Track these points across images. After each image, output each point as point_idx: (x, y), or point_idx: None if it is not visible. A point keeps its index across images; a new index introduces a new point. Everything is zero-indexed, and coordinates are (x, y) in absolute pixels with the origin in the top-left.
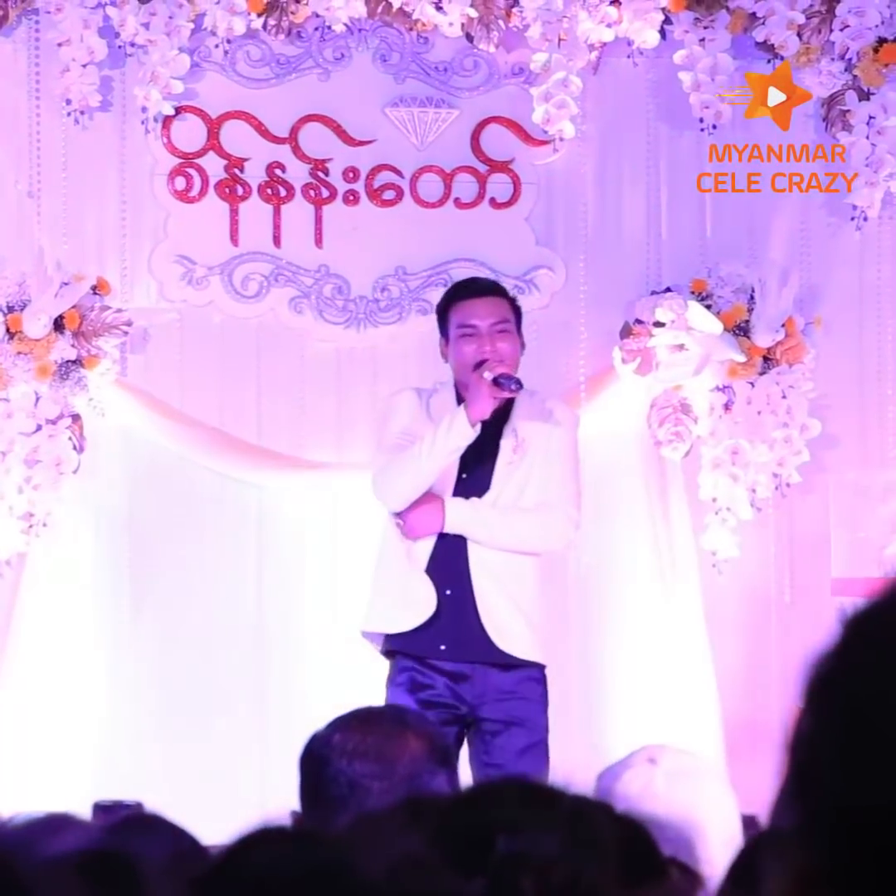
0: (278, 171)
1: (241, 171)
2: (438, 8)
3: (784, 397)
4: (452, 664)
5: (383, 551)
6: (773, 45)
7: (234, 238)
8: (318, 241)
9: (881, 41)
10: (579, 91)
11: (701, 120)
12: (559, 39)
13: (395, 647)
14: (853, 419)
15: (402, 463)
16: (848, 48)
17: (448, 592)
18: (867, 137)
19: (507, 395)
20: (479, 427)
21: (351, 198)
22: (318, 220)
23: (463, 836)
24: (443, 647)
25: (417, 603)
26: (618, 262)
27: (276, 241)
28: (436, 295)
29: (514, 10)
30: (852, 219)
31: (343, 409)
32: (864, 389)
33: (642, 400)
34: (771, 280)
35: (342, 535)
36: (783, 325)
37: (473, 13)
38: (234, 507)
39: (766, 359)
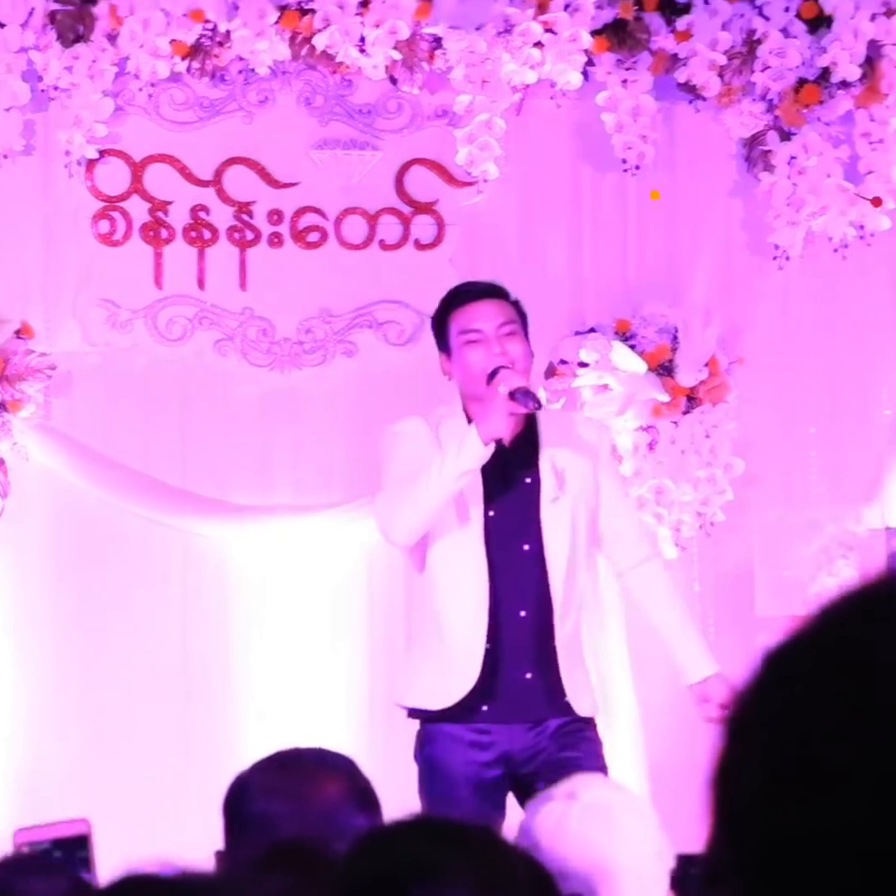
0: (202, 214)
1: (165, 214)
2: (362, 51)
3: (708, 436)
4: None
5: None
6: (695, 86)
7: (158, 281)
8: (243, 283)
9: (802, 82)
10: (502, 132)
11: (624, 161)
12: (482, 81)
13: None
14: (776, 458)
15: (407, 491)
16: (769, 89)
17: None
18: (788, 177)
19: (523, 411)
20: (492, 447)
21: (275, 240)
22: (243, 263)
23: (372, 881)
24: (485, 708)
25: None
26: (541, 302)
27: (201, 283)
28: (360, 337)
29: (438, 52)
30: (774, 258)
31: (267, 452)
32: (786, 428)
33: None
34: (694, 320)
35: (268, 577)
36: (706, 365)
37: (397, 55)
38: (160, 550)
39: (689, 398)
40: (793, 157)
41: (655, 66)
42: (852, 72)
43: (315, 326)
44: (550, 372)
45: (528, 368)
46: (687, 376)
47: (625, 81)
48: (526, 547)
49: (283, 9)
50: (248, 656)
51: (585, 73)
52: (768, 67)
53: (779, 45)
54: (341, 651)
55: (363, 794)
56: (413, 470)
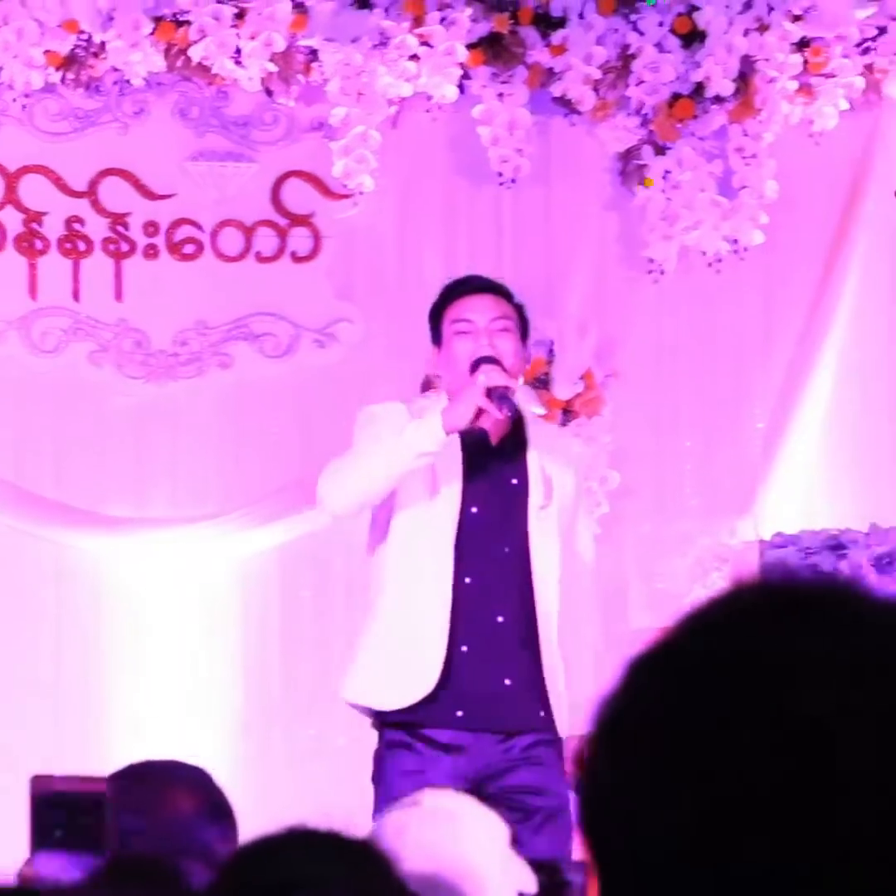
0: (77, 226)
1: (40, 225)
2: (237, 62)
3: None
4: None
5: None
6: (570, 100)
7: (32, 292)
8: (118, 295)
9: (676, 96)
10: (378, 145)
11: (499, 174)
12: (358, 94)
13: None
14: (651, 471)
15: (355, 458)
16: (643, 103)
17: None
18: (663, 192)
19: (495, 413)
20: (451, 439)
21: (151, 252)
22: (118, 274)
23: (253, 892)
24: (459, 714)
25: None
26: (418, 314)
27: (75, 295)
28: (236, 349)
29: (314, 64)
30: (649, 272)
31: (142, 464)
32: (661, 441)
33: None
34: (569, 333)
35: (143, 590)
36: (582, 378)
37: (273, 67)
38: (32, 562)
39: (565, 411)
40: (667, 172)
41: (531, 79)
42: (726, 87)
43: (191, 338)
44: (426, 384)
45: (516, 370)
46: (563, 389)
47: (500, 95)
48: (506, 549)
49: (158, 20)
50: (123, 669)
51: (461, 87)
52: (643, 82)
53: (653, 59)
54: (216, 663)
55: (216, 806)
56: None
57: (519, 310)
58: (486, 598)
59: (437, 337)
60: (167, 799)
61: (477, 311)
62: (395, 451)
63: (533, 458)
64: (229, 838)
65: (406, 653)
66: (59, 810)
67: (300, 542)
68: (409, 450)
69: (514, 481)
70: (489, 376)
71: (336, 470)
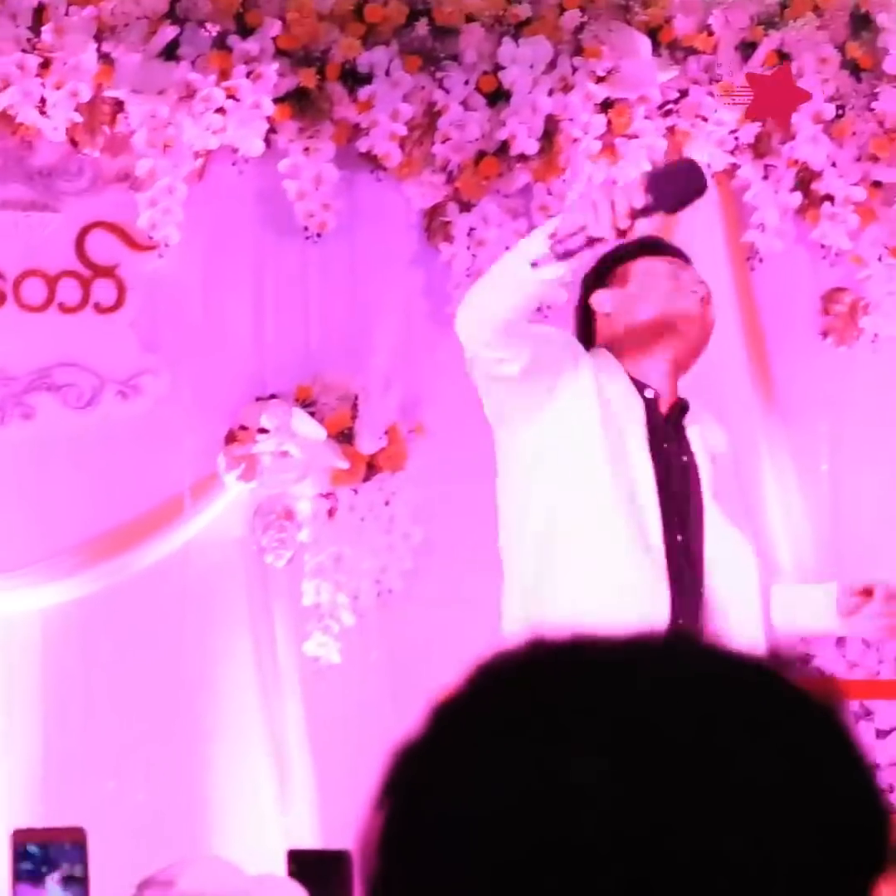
0: None
1: None
2: (42, 112)
3: (387, 504)
4: None
5: None
6: (376, 155)
7: None
8: None
9: (481, 154)
10: (184, 197)
11: (306, 228)
12: (164, 146)
13: None
14: (454, 526)
15: (482, 282)
16: (449, 160)
17: None
18: (468, 248)
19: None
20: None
21: None
22: None
23: None
24: None
25: None
26: (223, 368)
27: None
28: (38, 399)
29: (119, 115)
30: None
31: None
32: (464, 496)
33: (247, 506)
34: (374, 387)
35: None
36: (386, 433)
37: (78, 118)
38: None
39: (369, 465)
40: (472, 228)
41: (337, 135)
42: (530, 145)
43: None
44: (231, 438)
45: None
46: (367, 443)
47: (307, 149)
48: (679, 537)
49: None
50: None
51: (268, 140)
52: (448, 139)
53: (458, 117)
54: (14, 724)
55: None
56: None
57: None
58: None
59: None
60: None
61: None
62: (511, 268)
63: (695, 432)
64: None
65: None
66: None
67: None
68: (522, 261)
69: (684, 459)
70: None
71: (469, 298)
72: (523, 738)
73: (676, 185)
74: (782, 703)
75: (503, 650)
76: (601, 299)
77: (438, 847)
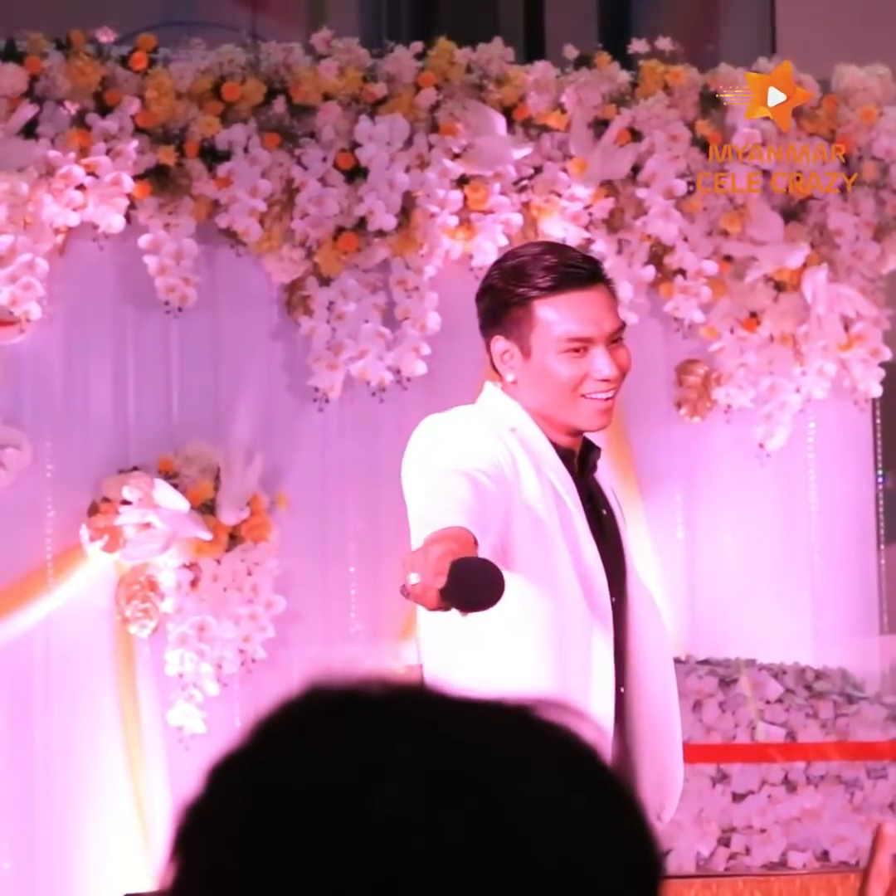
0: None
1: None
2: None
3: (250, 574)
4: None
5: None
6: (235, 231)
7: None
8: None
9: (340, 230)
10: (45, 273)
11: (166, 303)
12: (24, 222)
13: None
14: (317, 595)
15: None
16: (308, 236)
17: None
18: (327, 322)
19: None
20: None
21: None
22: None
23: None
24: None
25: None
26: (86, 440)
27: None
28: None
29: None
30: (314, 400)
31: None
32: (327, 566)
33: (110, 577)
34: (236, 459)
35: None
36: (248, 504)
37: None
38: None
39: (231, 536)
40: (331, 302)
41: (197, 210)
42: (388, 221)
43: None
44: (93, 510)
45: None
46: (229, 514)
47: (167, 225)
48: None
49: None
50: None
51: (128, 216)
52: (307, 215)
53: (317, 193)
54: None
55: None
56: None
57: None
58: None
59: (514, 332)
60: None
61: (594, 322)
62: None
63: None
64: None
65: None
66: None
67: None
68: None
69: (604, 512)
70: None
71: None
72: (325, 784)
73: (470, 585)
74: (534, 732)
75: (280, 705)
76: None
77: None
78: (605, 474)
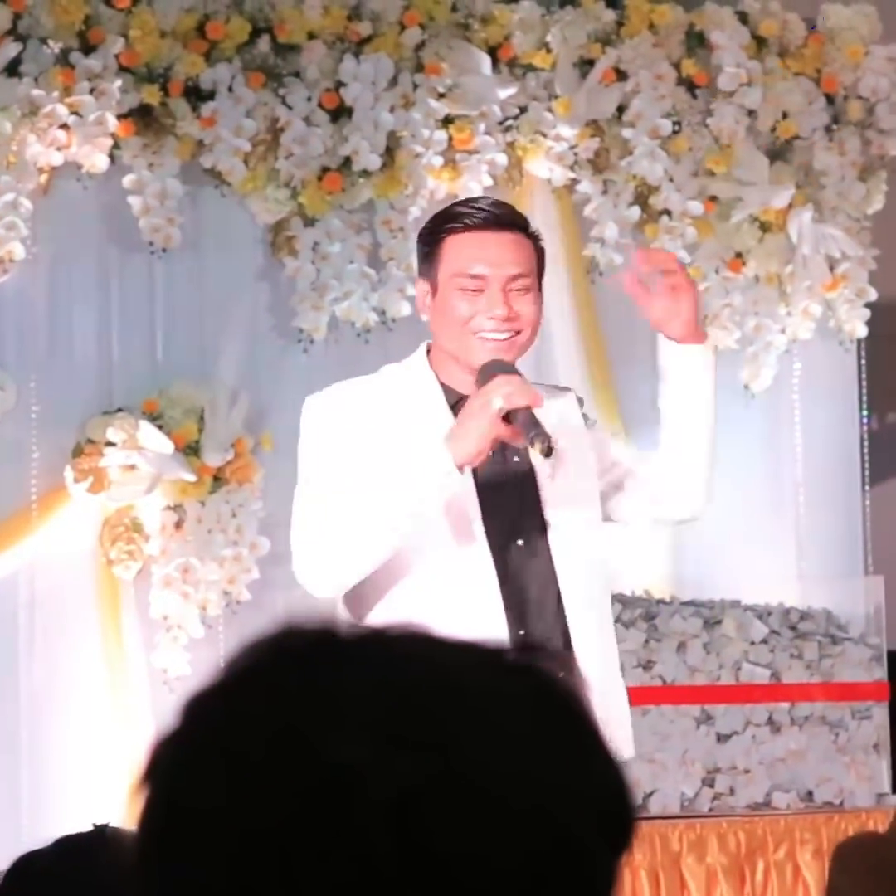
0: None
1: None
2: None
3: (234, 516)
4: None
5: None
6: (220, 171)
7: None
8: None
9: (325, 169)
10: (29, 213)
11: (151, 243)
12: (8, 162)
13: None
14: None
15: (339, 526)
16: (293, 176)
17: None
18: (312, 263)
19: (518, 442)
20: (466, 473)
21: None
22: None
23: None
24: None
25: None
26: (70, 382)
27: None
28: None
29: None
30: (299, 341)
31: None
32: None
33: (95, 519)
34: (221, 400)
35: None
36: (233, 445)
37: None
38: None
39: (216, 478)
40: (316, 243)
41: (181, 150)
42: (373, 161)
43: None
44: (78, 451)
45: (531, 338)
46: (214, 456)
47: (151, 165)
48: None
49: None
50: None
51: (112, 156)
52: (292, 155)
53: (301, 133)
54: None
55: None
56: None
57: (540, 253)
58: None
59: (428, 271)
60: None
61: (492, 262)
62: (395, 509)
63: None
64: None
65: None
66: None
67: None
68: (413, 508)
69: (516, 458)
70: (509, 398)
71: (314, 546)
72: (288, 719)
73: None
74: (523, 674)
75: (254, 641)
76: (419, 298)
77: (185, 834)
78: (566, 414)
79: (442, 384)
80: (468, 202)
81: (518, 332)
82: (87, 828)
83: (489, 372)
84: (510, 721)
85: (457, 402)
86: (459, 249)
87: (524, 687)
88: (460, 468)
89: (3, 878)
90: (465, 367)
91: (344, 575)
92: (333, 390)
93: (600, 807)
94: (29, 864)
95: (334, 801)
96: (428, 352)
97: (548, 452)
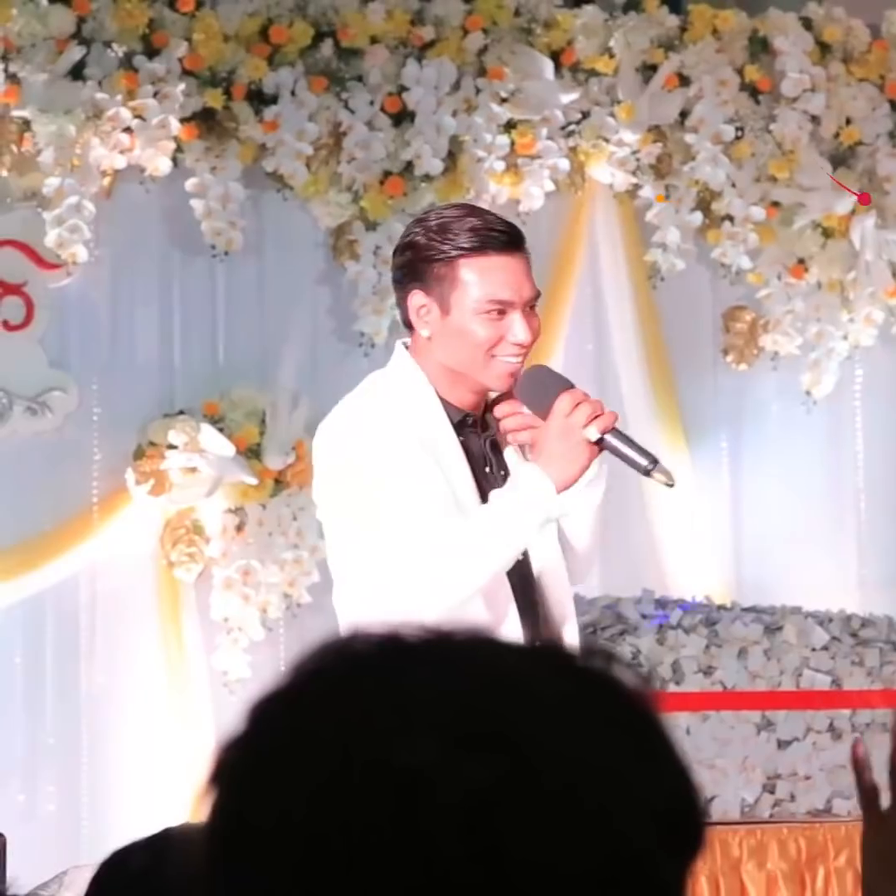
0: None
1: None
2: None
3: (294, 519)
4: None
5: None
6: (282, 175)
7: None
8: None
9: (387, 174)
10: (92, 216)
11: (213, 247)
12: (72, 165)
13: None
14: None
15: (448, 559)
16: (355, 180)
17: None
18: (374, 267)
19: (642, 468)
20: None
21: None
22: None
23: None
24: None
25: None
26: (131, 384)
27: None
28: None
29: (27, 134)
30: (360, 345)
31: None
32: None
33: (156, 521)
34: (282, 404)
35: None
36: (293, 449)
37: None
38: None
39: (277, 481)
40: (378, 247)
41: (244, 154)
42: (435, 165)
43: None
44: (139, 454)
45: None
46: (274, 459)
47: (214, 168)
48: None
49: None
50: None
51: (175, 159)
52: (354, 159)
53: (364, 137)
54: None
55: None
56: (441, 510)
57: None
58: None
59: (434, 288)
60: None
61: (515, 288)
62: (501, 538)
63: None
64: None
65: None
66: None
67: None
68: (522, 532)
69: (503, 473)
70: (599, 424)
71: (430, 581)
72: (358, 726)
73: None
74: (592, 680)
75: (321, 645)
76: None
77: (250, 839)
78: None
79: (442, 399)
80: (477, 217)
81: (527, 354)
82: (180, 824)
83: (546, 385)
84: (577, 723)
85: (460, 421)
86: (483, 275)
87: (590, 689)
88: (560, 491)
89: (95, 873)
90: (474, 386)
91: (463, 592)
92: (353, 414)
93: (668, 810)
94: (123, 859)
95: (402, 805)
96: (410, 353)
97: (671, 482)
